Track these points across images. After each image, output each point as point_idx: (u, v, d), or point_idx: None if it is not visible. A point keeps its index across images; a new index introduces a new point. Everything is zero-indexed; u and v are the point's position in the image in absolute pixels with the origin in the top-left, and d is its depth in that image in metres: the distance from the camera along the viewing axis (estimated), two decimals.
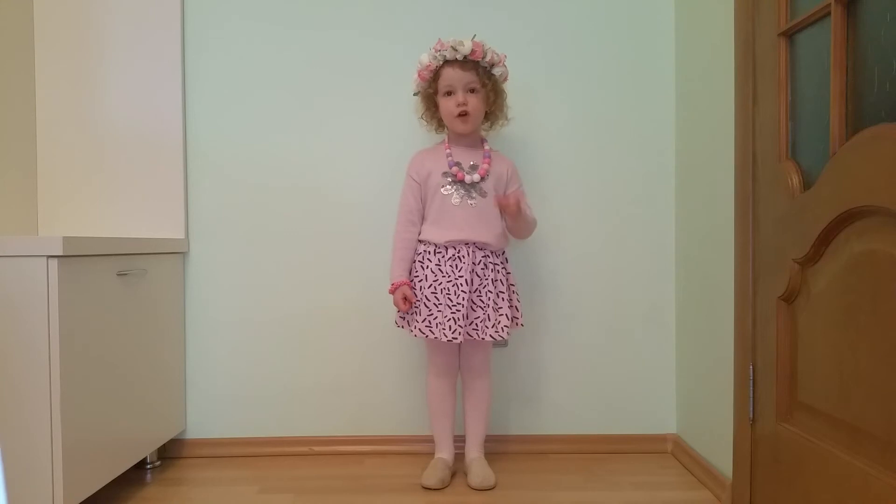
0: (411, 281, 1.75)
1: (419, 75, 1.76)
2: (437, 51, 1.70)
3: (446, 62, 1.71)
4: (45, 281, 1.37)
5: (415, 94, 1.81)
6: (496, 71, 1.74)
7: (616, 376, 2.07)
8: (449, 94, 1.72)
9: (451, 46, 1.68)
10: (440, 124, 1.82)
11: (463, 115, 1.71)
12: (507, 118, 1.83)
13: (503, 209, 1.71)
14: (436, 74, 1.73)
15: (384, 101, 2.03)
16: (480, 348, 1.80)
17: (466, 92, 1.71)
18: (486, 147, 1.80)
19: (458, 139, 1.78)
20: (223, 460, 2.00)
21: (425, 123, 1.84)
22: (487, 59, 1.70)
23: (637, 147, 2.06)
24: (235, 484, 1.81)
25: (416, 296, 1.72)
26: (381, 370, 2.06)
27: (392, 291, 1.74)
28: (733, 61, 1.58)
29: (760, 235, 1.48)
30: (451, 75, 1.70)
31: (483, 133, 1.85)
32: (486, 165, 1.75)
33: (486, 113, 1.79)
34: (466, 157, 1.77)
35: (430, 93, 1.76)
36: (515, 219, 1.72)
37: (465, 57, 1.69)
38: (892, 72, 1.09)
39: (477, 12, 2.03)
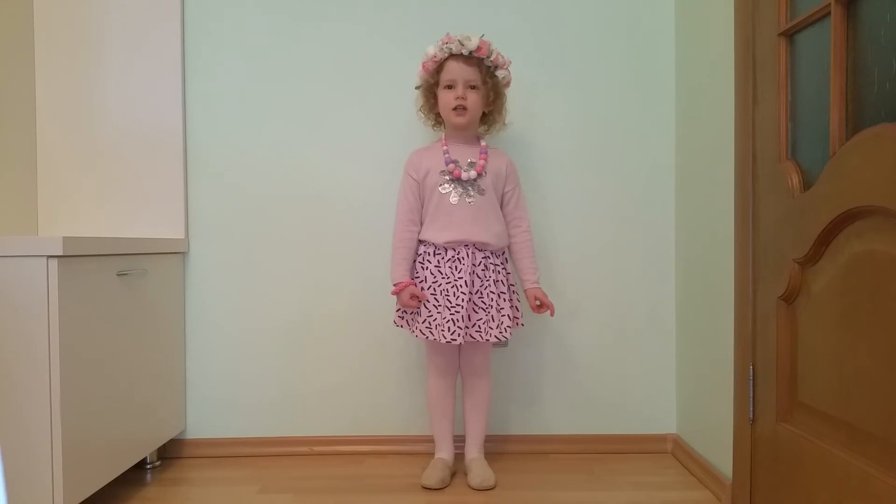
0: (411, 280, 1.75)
1: (423, 66, 1.77)
2: (444, 43, 1.71)
3: (451, 56, 1.71)
4: (45, 281, 1.37)
5: (417, 88, 1.82)
6: (499, 73, 1.74)
7: (616, 376, 2.07)
8: (449, 87, 1.73)
9: (459, 40, 1.69)
10: (438, 119, 1.82)
11: (460, 108, 1.71)
12: (504, 123, 1.83)
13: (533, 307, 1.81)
14: (439, 67, 1.74)
15: (385, 102, 2.03)
16: (481, 349, 1.80)
17: (467, 88, 1.71)
18: (483, 144, 1.80)
19: (454, 137, 1.78)
20: (223, 460, 2.00)
21: (423, 117, 1.84)
22: (492, 58, 1.71)
23: (637, 147, 2.06)
24: (235, 484, 1.81)
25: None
26: (381, 370, 2.05)
27: (397, 292, 1.73)
28: (733, 61, 1.58)
29: (760, 235, 1.48)
30: (455, 69, 1.71)
31: (481, 132, 1.85)
32: (482, 162, 1.75)
33: (485, 114, 1.80)
34: (464, 155, 1.77)
35: (432, 84, 1.77)
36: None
37: (470, 53, 1.69)
38: (892, 72, 1.09)
39: (478, 12, 2.03)
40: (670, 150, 2.06)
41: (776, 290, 1.40)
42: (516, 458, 1.98)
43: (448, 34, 1.71)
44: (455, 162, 1.75)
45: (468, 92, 1.71)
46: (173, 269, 1.96)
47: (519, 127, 1.99)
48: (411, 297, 1.71)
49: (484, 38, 1.70)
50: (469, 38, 1.68)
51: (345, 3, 2.03)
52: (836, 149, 1.20)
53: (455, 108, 1.72)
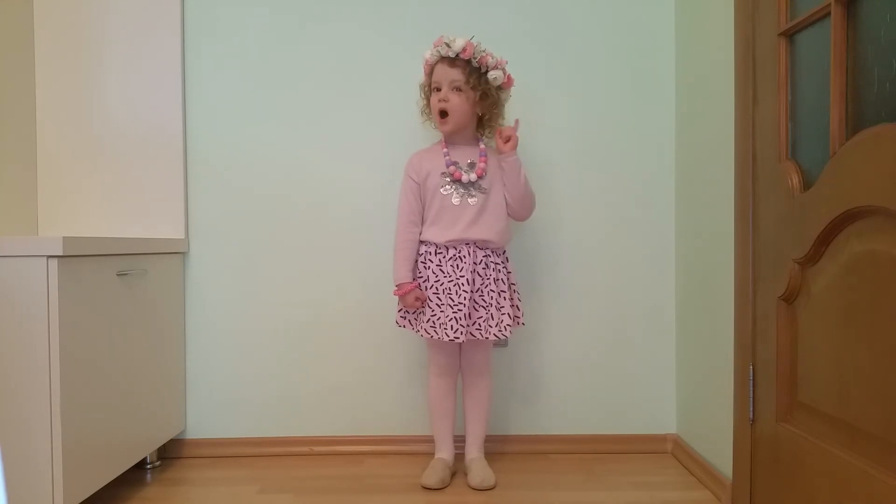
0: (415, 281, 1.75)
1: (424, 70, 1.79)
2: (435, 47, 1.72)
3: (441, 58, 1.72)
4: (45, 281, 1.37)
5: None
6: (490, 75, 1.73)
7: (616, 376, 2.07)
8: (437, 90, 1.74)
9: (445, 43, 1.69)
10: None
11: (442, 112, 1.71)
12: (502, 124, 1.82)
13: (500, 147, 1.73)
14: (432, 70, 1.75)
15: (385, 102, 2.03)
16: (482, 348, 1.80)
17: (451, 90, 1.71)
18: (482, 146, 1.80)
19: (453, 137, 1.79)
20: (223, 460, 2.00)
21: (426, 118, 1.85)
22: (478, 59, 1.70)
23: (637, 147, 2.06)
24: (235, 484, 1.81)
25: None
26: (381, 370, 2.05)
27: (402, 293, 1.74)
28: (733, 61, 1.58)
29: (760, 235, 1.48)
30: (440, 71, 1.72)
31: (486, 136, 1.85)
32: (482, 164, 1.75)
33: (481, 118, 1.79)
34: (464, 156, 1.77)
35: (427, 87, 1.78)
36: (513, 168, 1.73)
37: (456, 55, 1.70)
38: (892, 72, 1.09)
39: (478, 12, 2.03)
40: (670, 150, 2.06)
41: (776, 290, 1.40)
42: (516, 458, 1.98)
43: (441, 37, 1.71)
44: (455, 164, 1.75)
45: (451, 94, 1.71)
46: (173, 269, 1.96)
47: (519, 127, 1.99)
48: (416, 300, 1.72)
49: (472, 40, 1.70)
50: (454, 40, 1.69)
51: (346, 4, 2.03)
52: (836, 149, 1.20)
53: (440, 114, 1.73)
